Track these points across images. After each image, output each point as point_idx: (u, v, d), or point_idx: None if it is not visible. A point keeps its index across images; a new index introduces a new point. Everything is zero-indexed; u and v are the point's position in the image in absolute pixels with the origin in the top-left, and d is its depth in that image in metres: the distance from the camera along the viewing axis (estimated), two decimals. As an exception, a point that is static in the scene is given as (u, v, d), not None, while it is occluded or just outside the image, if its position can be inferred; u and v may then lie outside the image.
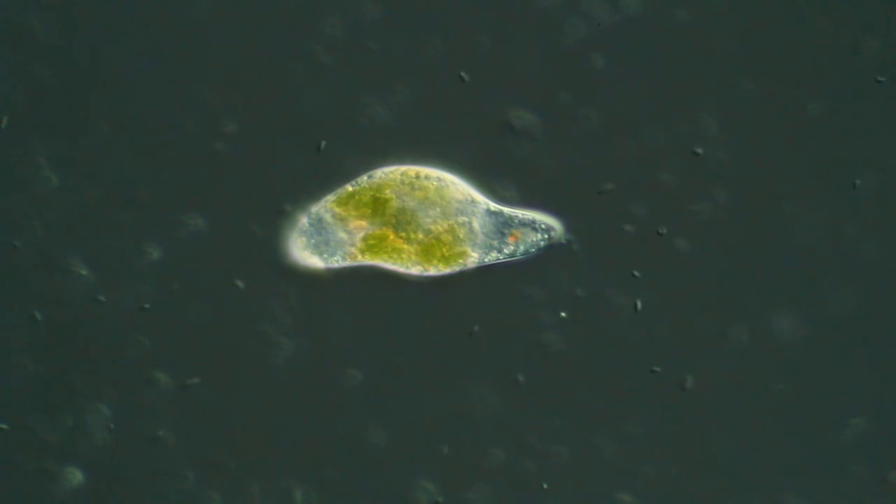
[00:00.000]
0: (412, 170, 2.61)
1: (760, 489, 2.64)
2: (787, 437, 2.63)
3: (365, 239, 2.61)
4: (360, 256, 2.61)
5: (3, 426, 2.55)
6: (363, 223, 2.60)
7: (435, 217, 2.60)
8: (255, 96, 2.61)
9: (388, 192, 2.60)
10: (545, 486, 2.56)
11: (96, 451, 2.61)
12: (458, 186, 2.61)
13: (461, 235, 2.61)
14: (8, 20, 2.61)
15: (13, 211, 2.60)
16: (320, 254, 2.61)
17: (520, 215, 2.62)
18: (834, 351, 2.63)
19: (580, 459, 2.63)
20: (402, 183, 2.60)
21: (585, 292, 2.62)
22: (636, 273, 2.60)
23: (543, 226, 2.61)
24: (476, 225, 2.61)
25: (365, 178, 2.61)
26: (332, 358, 2.63)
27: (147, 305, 2.49)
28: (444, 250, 2.60)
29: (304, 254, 2.62)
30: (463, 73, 2.42)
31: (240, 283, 2.56)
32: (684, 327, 2.62)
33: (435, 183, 2.61)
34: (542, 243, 2.61)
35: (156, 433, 2.61)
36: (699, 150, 2.48)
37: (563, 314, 2.59)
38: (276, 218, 2.61)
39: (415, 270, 2.61)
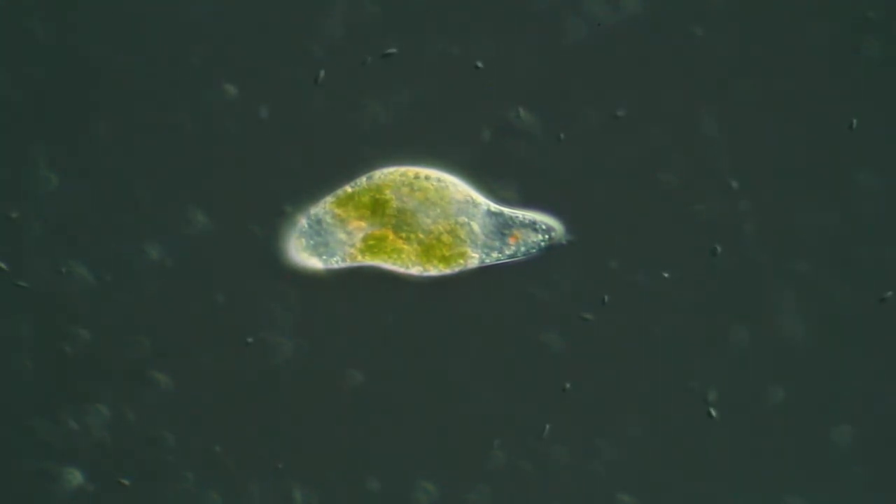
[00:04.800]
0: (411, 171, 2.61)
1: (760, 489, 2.64)
2: (786, 438, 2.63)
3: (365, 239, 2.61)
4: (359, 257, 2.61)
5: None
6: (363, 224, 2.60)
7: (435, 217, 2.60)
8: (255, 96, 2.61)
9: (387, 192, 2.60)
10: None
11: (96, 451, 2.62)
12: (458, 187, 2.61)
13: (462, 236, 2.61)
14: (8, 20, 2.61)
15: (13, 211, 2.60)
16: (320, 255, 2.62)
17: (520, 216, 2.62)
18: (834, 351, 2.63)
19: (580, 459, 2.64)
20: (402, 184, 2.60)
21: (585, 292, 2.62)
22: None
23: (544, 226, 2.61)
24: (476, 226, 2.61)
25: (364, 179, 2.61)
26: (332, 359, 2.63)
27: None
28: (445, 251, 2.60)
29: (303, 255, 2.62)
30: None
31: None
32: (684, 328, 2.62)
33: (435, 184, 2.60)
34: (542, 244, 2.61)
35: (156, 433, 2.62)
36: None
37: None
38: (276, 219, 2.61)
39: (415, 271, 2.61)
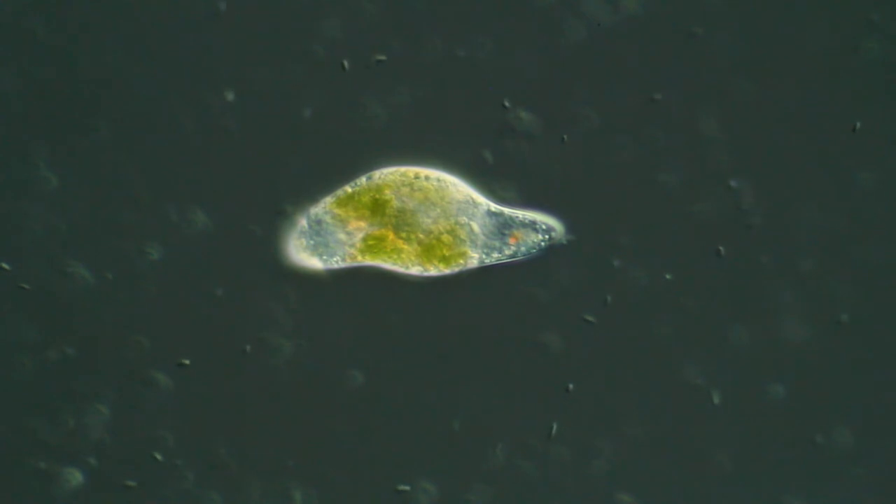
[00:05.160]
0: (411, 171, 2.61)
1: (760, 490, 2.64)
2: (786, 438, 2.63)
3: (364, 239, 2.61)
4: (359, 257, 2.61)
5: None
6: (362, 224, 2.60)
7: (436, 217, 2.60)
8: (256, 96, 2.61)
9: (387, 192, 2.60)
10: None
11: (96, 451, 2.62)
12: (458, 187, 2.61)
13: (462, 236, 2.61)
14: (8, 20, 2.61)
15: (13, 211, 2.60)
16: (320, 255, 2.61)
17: (520, 216, 2.62)
18: (835, 351, 2.63)
19: (580, 459, 2.64)
20: (402, 184, 2.60)
21: (585, 292, 2.62)
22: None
23: (544, 226, 2.61)
24: (476, 226, 2.61)
25: (364, 179, 2.61)
26: (332, 359, 2.63)
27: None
28: (445, 251, 2.60)
29: (303, 255, 2.62)
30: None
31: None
32: (684, 328, 2.62)
33: (435, 184, 2.60)
34: (542, 244, 2.61)
35: (156, 433, 2.62)
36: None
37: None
38: (276, 219, 2.61)
39: (415, 271, 2.61)
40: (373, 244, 2.60)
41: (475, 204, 2.61)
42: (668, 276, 2.60)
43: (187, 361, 2.59)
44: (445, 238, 2.61)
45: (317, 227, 2.61)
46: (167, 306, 2.61)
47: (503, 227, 2.62)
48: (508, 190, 2.62)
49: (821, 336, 2.62)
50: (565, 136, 2.57)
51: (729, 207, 2.61)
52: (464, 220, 2.61)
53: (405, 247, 2.60)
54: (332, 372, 2.63)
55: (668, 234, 2.62)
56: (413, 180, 2.60)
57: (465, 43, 2.61)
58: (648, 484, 2.64)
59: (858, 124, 2.56)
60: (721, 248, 2.60)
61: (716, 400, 2.61)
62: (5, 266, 2.57)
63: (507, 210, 2.62)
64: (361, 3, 2.61)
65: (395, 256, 2.60)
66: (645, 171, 2.62)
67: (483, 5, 2.62)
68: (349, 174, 2.61)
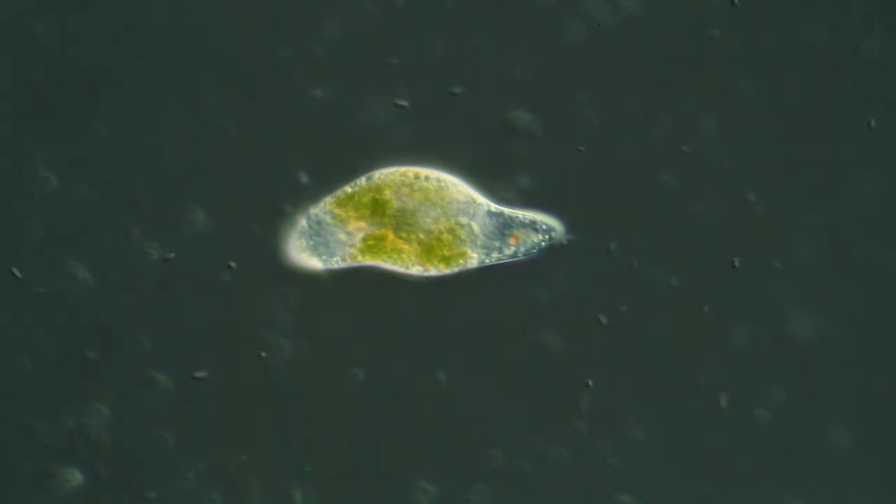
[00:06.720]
0: (411, 171, 2.61)
1: (760, 490, 2.64)
2: (786, 438, 2.63)
3: (364, 240, 2.61)
4: (359, 257, 2.61)
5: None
6: (363, 224, 2.60)
7: (436, 217, 2.60)
8: (256, 96, 2.61)
9: (387, 193, 2.60)
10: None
11: (96, 451, 2.62)
12: (458, 187, 2.61)
13: (462, 236, 2.60)
14: (8, 21, 2.61)
15: (13, 211, 2.60)
16: (320, 255, 2.61)
17: (520, 216, 2.62)
18: (833, 352, 2.63)
19: (580, 460, 2.64)
20: (402, 184, 2.60)
21: (585, 293, 2.62)
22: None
23: (544, 227, 2.61)
24: (476, 226, 2.61)
25: (364, 179, 2.61)
26: (332, 359, 2.63)
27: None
28: (445, 251, 2.60)
29: (303, 255, 2.62)
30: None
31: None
32: (684, 327, 2.62)
33: (435, 184, 2.60)
34: (542, 244, 2.61)
35: (156, 433, 2.62)
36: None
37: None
38: (276, 219, 2.61)
39: (415, 271, 2.61)
40: (373, 244, 2.60)
41: (475, 204, 2.61)
42: (672, 282, 2.60)
43: (202, 374, 2.59)
44: (445, 238, 2.61)
45: (317, 227, 2.61)
46: (167, 306, 2.61)
47: (503, 228, 2.62)
48: (508, 190, 2.62)
49: (821, 336, 2.62)
50: (582, 148, 2.57)
51: (728, 207, 2.61)
52: (464, 220, 2.61)
53: (405, 247, 2.60)
54: (332, 372, 2.63)
55: (668, 235, 2.62)
56: (413, 180, 2.60)
57: (465, 43, 2.61)
58: (648, 484, 2.64)
59: (873, 122, 2.56)
60: (736, 260, 2.60)
61: (723, 403, 2.61)
62: (16, 273, 2.58)
63: (507, 210, 2.62)
64: (361, 3, 2.61)
65: (395, 256, 2.60)
66: (645, 171, 2.62)
67: (483, 5, 2.62)
68: (349, 174, 2.61)
